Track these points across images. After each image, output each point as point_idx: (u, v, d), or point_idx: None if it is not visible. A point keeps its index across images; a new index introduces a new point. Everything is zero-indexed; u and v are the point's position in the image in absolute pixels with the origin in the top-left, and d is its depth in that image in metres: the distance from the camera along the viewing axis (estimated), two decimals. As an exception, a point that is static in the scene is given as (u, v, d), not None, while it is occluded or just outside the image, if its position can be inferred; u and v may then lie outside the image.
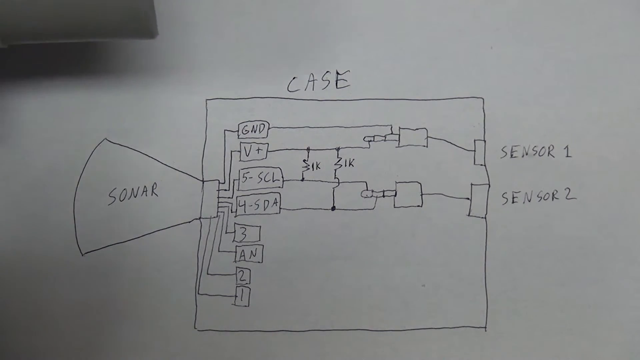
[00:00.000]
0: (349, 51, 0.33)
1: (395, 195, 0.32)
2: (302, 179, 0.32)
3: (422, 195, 0.32)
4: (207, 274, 0.32)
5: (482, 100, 0.33)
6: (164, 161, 0.33)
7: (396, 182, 0.32)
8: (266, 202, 0.32)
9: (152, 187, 0.32)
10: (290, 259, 0.32)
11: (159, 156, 0.33)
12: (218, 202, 0.32)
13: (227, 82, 0.33)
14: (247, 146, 0.33)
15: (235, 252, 0.32)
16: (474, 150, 0.32)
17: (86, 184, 0.32)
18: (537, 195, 0.32)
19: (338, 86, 0.33)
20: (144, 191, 0.32)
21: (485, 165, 0.32)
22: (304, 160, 0.33)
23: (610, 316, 0.32)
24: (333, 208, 0.32)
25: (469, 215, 0.32)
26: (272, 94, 0.33)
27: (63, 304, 0.32)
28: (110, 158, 0.33)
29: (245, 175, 0.33)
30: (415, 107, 0.33)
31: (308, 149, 0.33)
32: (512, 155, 0.32)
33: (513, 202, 0.32)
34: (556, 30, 0.33)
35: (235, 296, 0.32)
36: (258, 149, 0.33)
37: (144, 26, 0.26)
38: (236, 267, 0.32)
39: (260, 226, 0.32)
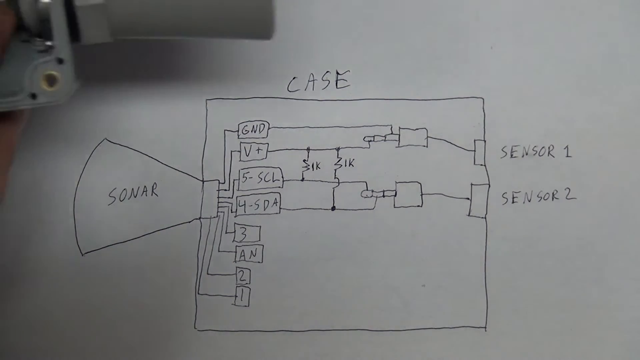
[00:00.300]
0: (349, 51, 0.33)
1: (395, 195, 0.32)
2: (302, 179, 0.32)
3: (422, 195, 0.32)
4: (207, 274, 0.32)
5: (482, 100, 0.33)
6: (164, 161, 0.33)
7: (396, 182, 0.32)
8: (266, 202, 0.32)
9: (152, 187, 0.32)
10: (290, 259, 0.32)
11: (159, 156, 0.33)
12: (218, 202, 0.32)
13: (227, 82, 0.33)
14: (247, 146, 0.33)
15: (235, 252, 0.32)
16: (474, 150, 0.32)
17: (86, 184, 0.32)
18: (537, 195, 0.32)
19: (338, 86, 0.33)
20: (144, 191, 0.32)
21: (485, 165, 0.32)
22: (304, 160, 0.32)
23: (610, 316, 0.32)
24: (333, 208, 0.32)
25: (469, 215, 0.32)
26: (272, 94, 0.33)
27: (63, 304, 0.32)
28: (110, 158, 0.33)
29: (245, 175, 0.32)
30: (415, 107, 0.33)
31: (308, 149, 0.33)
32: (512, 155, 0.32)
33: (513, 202, 0.32)
34: (556, 30, 0.33)
35: (235, 296, 0.32)
36: (258, 149, 0.33)
37: (264, 26, 0.25)
38: (236, 267, 0.32)
39: (260, 226, 0.32)
